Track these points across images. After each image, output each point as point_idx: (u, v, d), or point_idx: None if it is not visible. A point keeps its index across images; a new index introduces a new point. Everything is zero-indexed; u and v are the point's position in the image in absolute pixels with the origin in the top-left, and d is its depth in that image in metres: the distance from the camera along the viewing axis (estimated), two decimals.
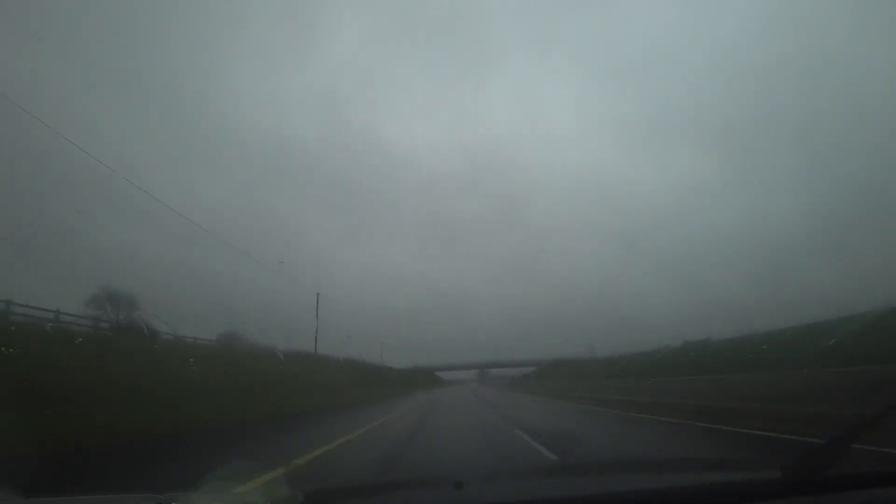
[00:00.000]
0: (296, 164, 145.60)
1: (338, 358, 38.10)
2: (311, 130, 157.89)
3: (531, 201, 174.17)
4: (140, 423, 9.28)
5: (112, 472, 5.83)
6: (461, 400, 29.08)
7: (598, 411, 16.45)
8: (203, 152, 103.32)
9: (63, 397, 8.16)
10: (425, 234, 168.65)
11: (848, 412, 6.87)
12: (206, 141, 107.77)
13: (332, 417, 16.13)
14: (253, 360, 21.30)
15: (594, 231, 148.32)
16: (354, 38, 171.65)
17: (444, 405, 22.57)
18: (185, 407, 11.38)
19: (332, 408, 20.54)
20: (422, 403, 24.76)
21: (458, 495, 1.80)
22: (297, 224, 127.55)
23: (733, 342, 22.09)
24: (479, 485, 2.11)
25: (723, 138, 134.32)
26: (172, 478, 5.11)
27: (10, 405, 6.88)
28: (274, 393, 18.03)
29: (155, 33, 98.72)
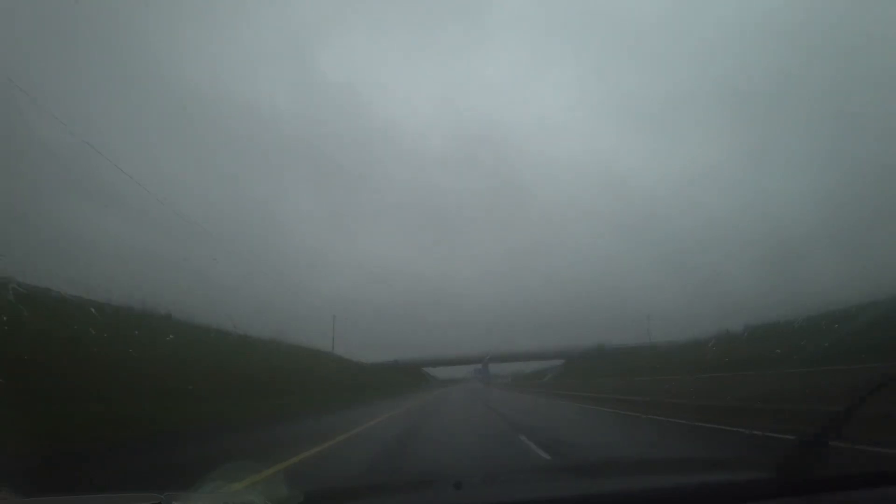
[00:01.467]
0: (267, 135, 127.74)
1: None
2: (282, 93, 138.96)
3: (531, 183, 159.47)
4: None
5: None
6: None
7: None
8: (162, 121, 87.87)
9: None
10: (415, 217, 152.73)
11: None
12: (165, 108, 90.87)
13: None
14: None
15: (600, 214, 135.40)
16: None
17: None
18: None
19: None
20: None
21: (457, 495, 1.84)
22: (269, 202, 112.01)
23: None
24: (478, 485, 2.15)
25: (734, 118, 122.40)
26: None
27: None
28: None
29: None
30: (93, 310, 14.48)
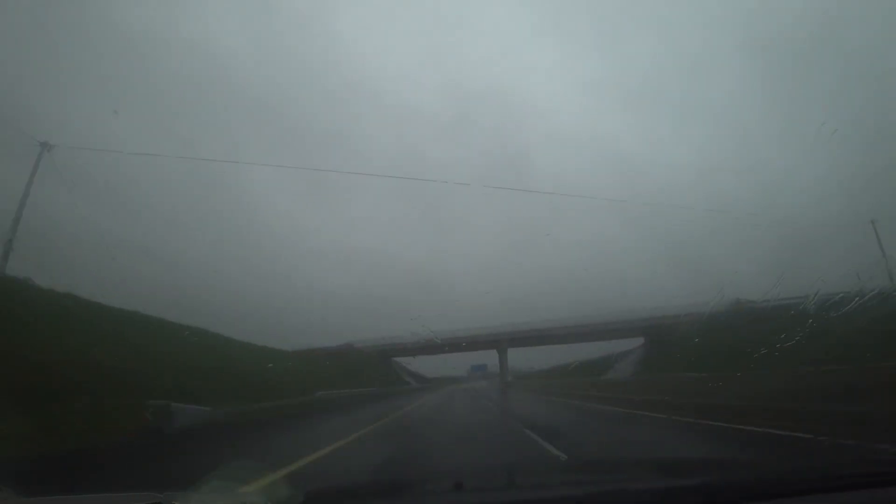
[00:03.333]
0: (218, 82, 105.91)
1: None
2: (237, 30, 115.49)
3: (535, 153, 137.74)
4: None
5: None
6: None
7: None
8: (87, 66, 69.74)
9: None
10: (401, 184, 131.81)
11: None
12: (89, 50, 72.10)
13: None
14: None
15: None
16: None
17: None
18: None
19: None
20: None
21: (458, 495, 1.83)
22: (219, 160, 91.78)
23: None
24: (479, 484, 2.14)
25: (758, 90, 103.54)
26: None
27: None
28: None
29: None
30: None
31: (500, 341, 38.23)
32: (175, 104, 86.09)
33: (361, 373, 30.77)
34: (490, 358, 58.34)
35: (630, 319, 31.08)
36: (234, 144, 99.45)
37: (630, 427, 10.31)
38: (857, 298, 15.98)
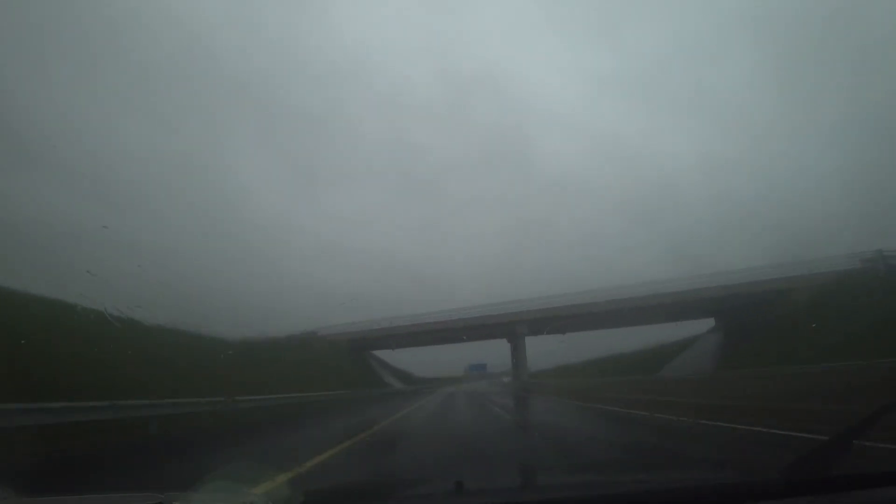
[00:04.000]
0: (199, 64, 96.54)
1: None
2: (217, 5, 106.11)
3: (535, 138, 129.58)
4: None
5: None
6: None
7: None
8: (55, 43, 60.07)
9: None
10: (392, 174, 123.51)
11: None
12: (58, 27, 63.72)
13: None
14: None
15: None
16: None
17: None
18: None
19: None
20: None
21: (458, 496, 1.83)
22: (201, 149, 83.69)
23: None
24: (479, 485, 2.12)
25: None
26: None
27: None
28: None
29: None
30: None
31: (517, 325, 30.00)
32: (152, 84, 77.90)
33: (304, 370, 22.87)
34: (491, 355, 50.46)
35: (697, 289, 23.44)
36: (209, 121, 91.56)
37: None
38: None
